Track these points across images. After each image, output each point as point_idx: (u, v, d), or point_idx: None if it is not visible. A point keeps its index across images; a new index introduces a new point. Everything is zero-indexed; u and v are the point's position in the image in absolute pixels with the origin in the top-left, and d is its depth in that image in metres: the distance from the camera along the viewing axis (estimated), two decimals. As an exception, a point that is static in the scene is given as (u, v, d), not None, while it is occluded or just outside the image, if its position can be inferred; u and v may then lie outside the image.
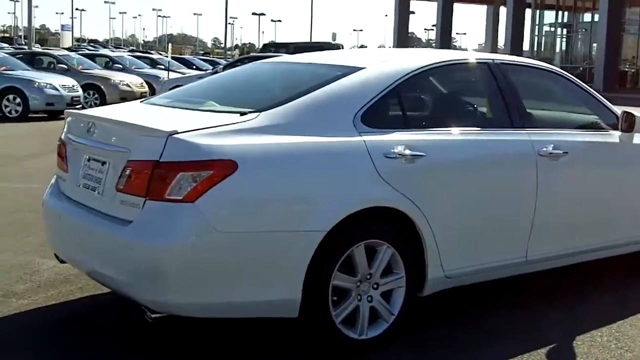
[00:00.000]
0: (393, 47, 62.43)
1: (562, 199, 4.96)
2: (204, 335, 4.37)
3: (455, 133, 4.50)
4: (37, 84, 17.33)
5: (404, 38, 62.61)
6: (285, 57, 6.17)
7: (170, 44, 30.15)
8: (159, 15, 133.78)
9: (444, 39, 57.17)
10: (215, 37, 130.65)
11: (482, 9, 68.92)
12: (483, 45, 72.45)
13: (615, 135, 5.30)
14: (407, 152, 4.15)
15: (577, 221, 5.10)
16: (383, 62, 4.60)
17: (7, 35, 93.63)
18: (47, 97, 17.10)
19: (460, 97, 5.12)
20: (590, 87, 5.48)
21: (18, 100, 17.15)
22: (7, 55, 20.27)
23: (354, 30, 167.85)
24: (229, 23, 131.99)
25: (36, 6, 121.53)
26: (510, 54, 47.79)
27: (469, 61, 5.03)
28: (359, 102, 4.19)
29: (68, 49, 52.46)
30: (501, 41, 57.37)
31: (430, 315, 4.77)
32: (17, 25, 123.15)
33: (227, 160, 3.67)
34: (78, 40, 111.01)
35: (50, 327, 4.55)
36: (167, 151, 3.65)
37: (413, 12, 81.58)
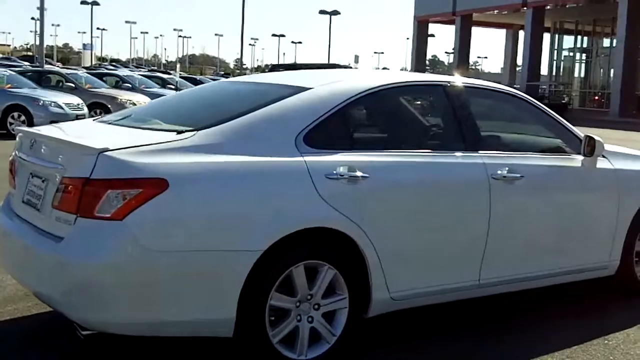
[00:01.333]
0: (411, 69, 62.61)
1: (518, 223, 4.90)
2: (154, 350, 4.35)
3: (402, 155, 4.45)
4: (41, 102, 17.49)
5: (422, 60, 62.81)
6: (245, 77, 6.18)
7: (179, 64, 30.46)
8: (180, 36, 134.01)
9: (462, 62, 57.24)
10: (237, 58, 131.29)
11: (503, 33, 69.04)
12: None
13: (577, 160, 5.26)
14: (350, 173, 4.12)
15: (534, 245, 5.03)
16: (331, 83, 4.58)
17: (30, 53, 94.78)
18: (51, 115, 17.15)
19: (410, 119, 5.07)
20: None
21: (23, 117, 17.31)
22: (14, 73, 20.48)
23: (375, 52, 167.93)
24: (251, 44, 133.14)
25: (58, 25, 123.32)
26: (528, 78, 47.92)
27: (421, 83, 5.01)
28: (301, 122, 4.17)
29: (88, 68, 53.13)
30: (520, 65, 57.30)
31: (380, 340, 4.73)
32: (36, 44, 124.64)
33: (158, 179, 3.65)
34: (100, 59, 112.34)
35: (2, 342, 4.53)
36: (97, 168, 3.65)
37: (433, 35, 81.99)
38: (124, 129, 4.40)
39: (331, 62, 51.35)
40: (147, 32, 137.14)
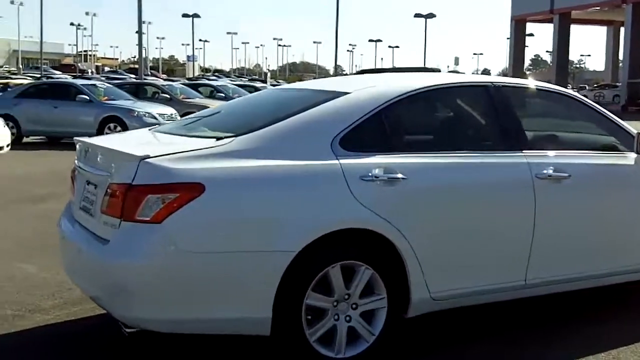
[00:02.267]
0: (509, 69, 61.49)
1: (566, 222, 4.86)
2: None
3: (441, 156, 4.49)
4: (136, 113, 18.20)
5: (519, 60, 61.67)
6: (295, 84, 6.29)
7: (269, 73, 30.97)
8: (279, 45, 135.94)
9: (561, 61, 55.87)
10: (337, 65, 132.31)
11: (604, 30, 67.09)
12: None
13: (630, 157, 5.16)
14: (387, 175, 4.20)
15: (584, 245, 4.97)
16: (368, 87, 4.67)
17: (136, 66, 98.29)
18: (145, 125, 17.64)
19: (450, 121, 5.08)
20: None
21: (119, 128, 18.04)
22: (111, 85, 21.39)
23: (474, 54, 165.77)
24: (349, 50, 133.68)
25: (163, 37, 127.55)
26: (629, 76, 46.32)
27: (461, 84, 5.02)
28: (337, 126, 4.28)
29: (189, 78, 54.87)
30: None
31: (419, 343, 4.78)
32: (146, 57, 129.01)
33: (194, 183, 3.84)
34: (204, 70, 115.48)
35: (58, 342, 4.81)
36: (139, 174, 3.87)
37: (532, 35, 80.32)
38: (172, 137, 4.61)
39: (426, 65, 50.96)
40: (247, 42, 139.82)
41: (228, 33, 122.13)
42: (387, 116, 4.49)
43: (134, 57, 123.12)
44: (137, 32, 33.04)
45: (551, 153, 4.87)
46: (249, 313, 3.96)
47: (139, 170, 3.88)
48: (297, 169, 4.07)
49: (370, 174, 4.17)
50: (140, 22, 30.81)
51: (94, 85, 20.21)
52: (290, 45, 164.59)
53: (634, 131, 5.22)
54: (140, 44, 32.61)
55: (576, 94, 5.32)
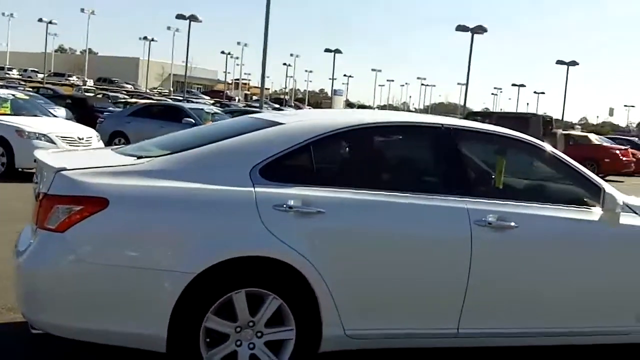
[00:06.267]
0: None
1: (509, 274, 4.65)
2: None
3: (367, 193, 4.41)
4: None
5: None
6: (259, 114, 6.31)
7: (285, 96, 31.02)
8: (423, 84, 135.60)
9: None
10: (485, 107, 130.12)
11: None
12: None
13: (595, 213, 4.88)
14: (303, 207, 4.22)
15: (529, 299, 4.73)
16: (303, 120, 4.71)
17: (284, 97, 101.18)
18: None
19: (383, 159, 4.99)
20: None
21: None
22: (220, 111, 22.24)
23: (625, 106, 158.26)
24: (493, 94, 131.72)
25: (310, 71, 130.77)
26: None
27: (402, 124, 4.96)
28: (260, 155, 4.34)
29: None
30: None
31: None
32: (297, 89, 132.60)
33: (99, 197, 4.02)
34: (349, 104, 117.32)
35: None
36: (53, 185, 4.09)
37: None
38: (113, 155, 4.78)
39: (565, 113, 49.62)
40: (392, 80, 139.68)
41: (372, 70, 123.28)
42: (313, 150, 4.48)
43: (283, 87, 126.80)
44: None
45: (497, 201, 4.66)
46: (145, 329, 4.07)
47: (54, 181, 4.10)
48: (203, 192, 4.15)
49: (284, 205, 4.20)
50: (264, 56, 31.93)
51: (202, 109, 21.07)
52: (434, 85, 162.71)
53: (603, 185, 4.94)
54: (263, 78, 33.95)
55: (539, 141, 5.09)
